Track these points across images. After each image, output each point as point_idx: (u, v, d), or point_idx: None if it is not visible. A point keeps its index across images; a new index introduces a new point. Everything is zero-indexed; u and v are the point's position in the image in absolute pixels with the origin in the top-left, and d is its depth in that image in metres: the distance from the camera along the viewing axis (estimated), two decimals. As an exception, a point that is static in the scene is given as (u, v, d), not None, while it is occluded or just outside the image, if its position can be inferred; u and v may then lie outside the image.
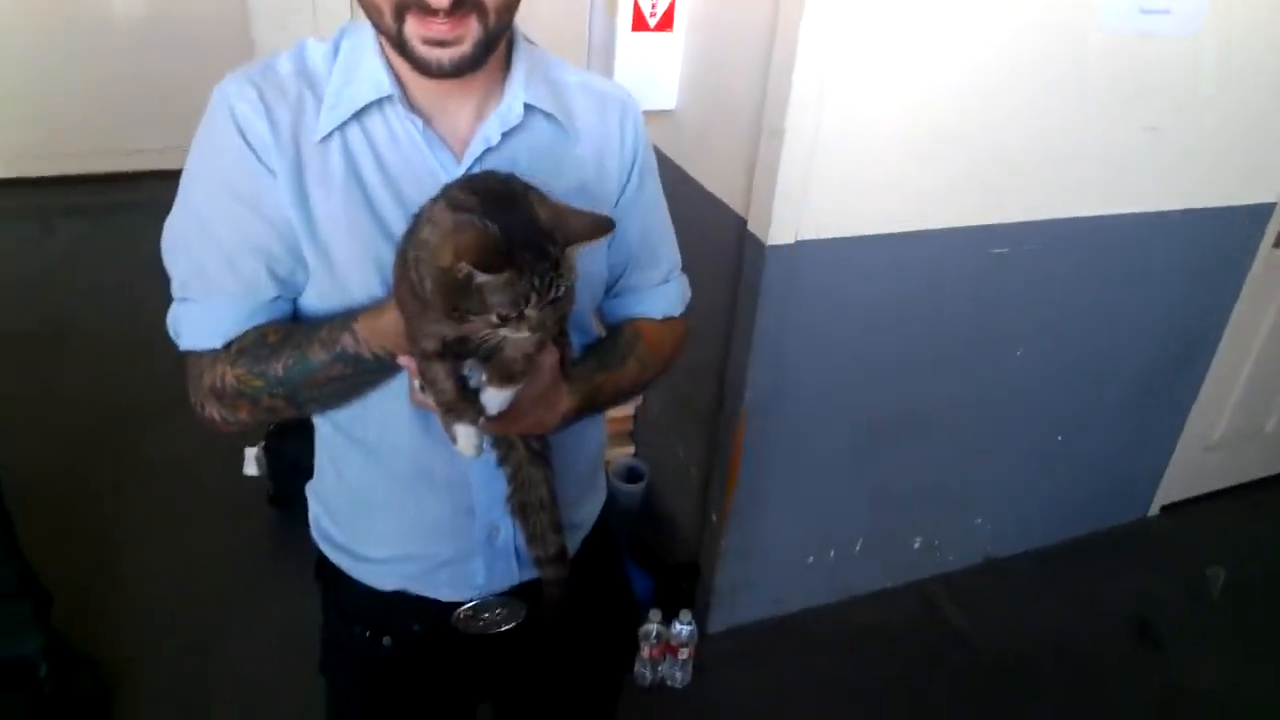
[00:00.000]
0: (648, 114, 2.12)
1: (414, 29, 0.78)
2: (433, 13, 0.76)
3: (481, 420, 0.79)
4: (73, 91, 4.06)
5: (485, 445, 0.93)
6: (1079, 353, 2.32)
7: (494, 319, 0.69)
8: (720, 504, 2.13)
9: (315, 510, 1.10)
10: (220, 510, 2.58)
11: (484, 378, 0.78)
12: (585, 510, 1.14)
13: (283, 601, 2.10)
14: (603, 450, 1.19)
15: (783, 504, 2.19)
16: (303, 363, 0.84)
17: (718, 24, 1.92)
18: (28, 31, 3.99)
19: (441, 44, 0.78)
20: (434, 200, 0.72)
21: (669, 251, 1.09)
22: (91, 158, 4.17)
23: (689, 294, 1.12)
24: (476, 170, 0.87)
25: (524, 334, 0.71)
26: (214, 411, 0.90)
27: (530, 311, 0.69)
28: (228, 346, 0.88)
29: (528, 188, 0.74)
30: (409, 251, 0.71)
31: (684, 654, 2.15)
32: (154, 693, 2.02)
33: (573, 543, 1.10)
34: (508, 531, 1.01)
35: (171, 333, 0.90)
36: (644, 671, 2.16)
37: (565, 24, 2.18)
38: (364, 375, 0.85)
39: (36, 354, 3.16)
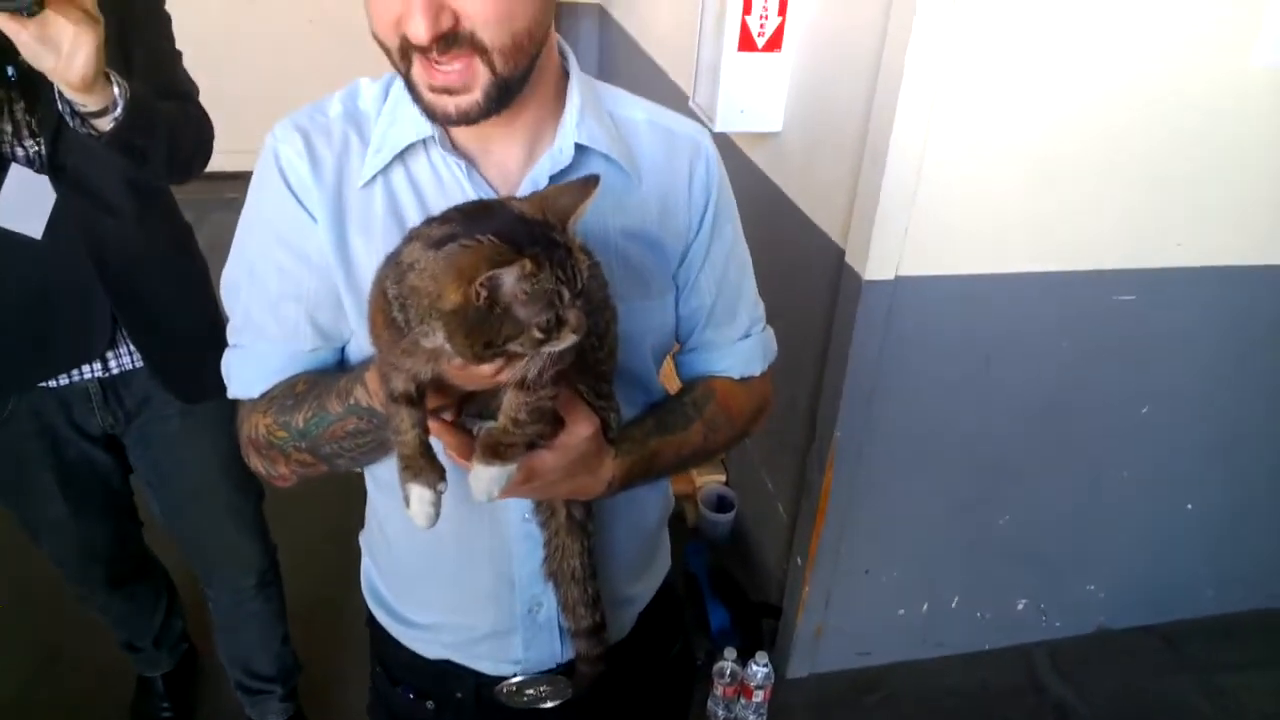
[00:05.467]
0: (754, 136, 2.09)
1: (420, 75, 0.75)
2: (428, 54, 0.72)
3: (509, 481, 0.73)
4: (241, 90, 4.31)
5: (527, 511, 0.91)
6: (1215, 417, 2.10)
7: (536, 334, 0.63)
8: (806, 546, 2.04)
9: (366, 562, 1.09)
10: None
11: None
12: (641, 585, 1.08)
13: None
14: (665, 518, 1.12)
15: (873, 550, 2.08)
16: (321, 415, 0.81)
17: (826, 44, 1.85)
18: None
19: (448, 91, 0.74)
20: (405, 243, 0.67)
21: (749, 304, 1.01)
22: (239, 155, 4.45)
23: (774, 350, 1.03)
24: None
25: (570, 340, 0.64)
26: (257, 464, 0.89)
27: (569, 313, 0.63)
28: (264, 395, 0.87)
29: (499, 197, 0.70)
30: (388, 289, 0.66)
31: (759, 696, 2.07)
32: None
33: (626, 617, 1.06)
34: (551, 607, 0.96)
35: (225, 378, 0.90)
36: (716, 710, 2.09)
37: (678, 41, 2.16)
38: (383, 431, 0.79)
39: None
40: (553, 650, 0.99)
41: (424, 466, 0.72)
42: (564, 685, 1.01)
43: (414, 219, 0.81)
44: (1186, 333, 1.96)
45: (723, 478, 2.59)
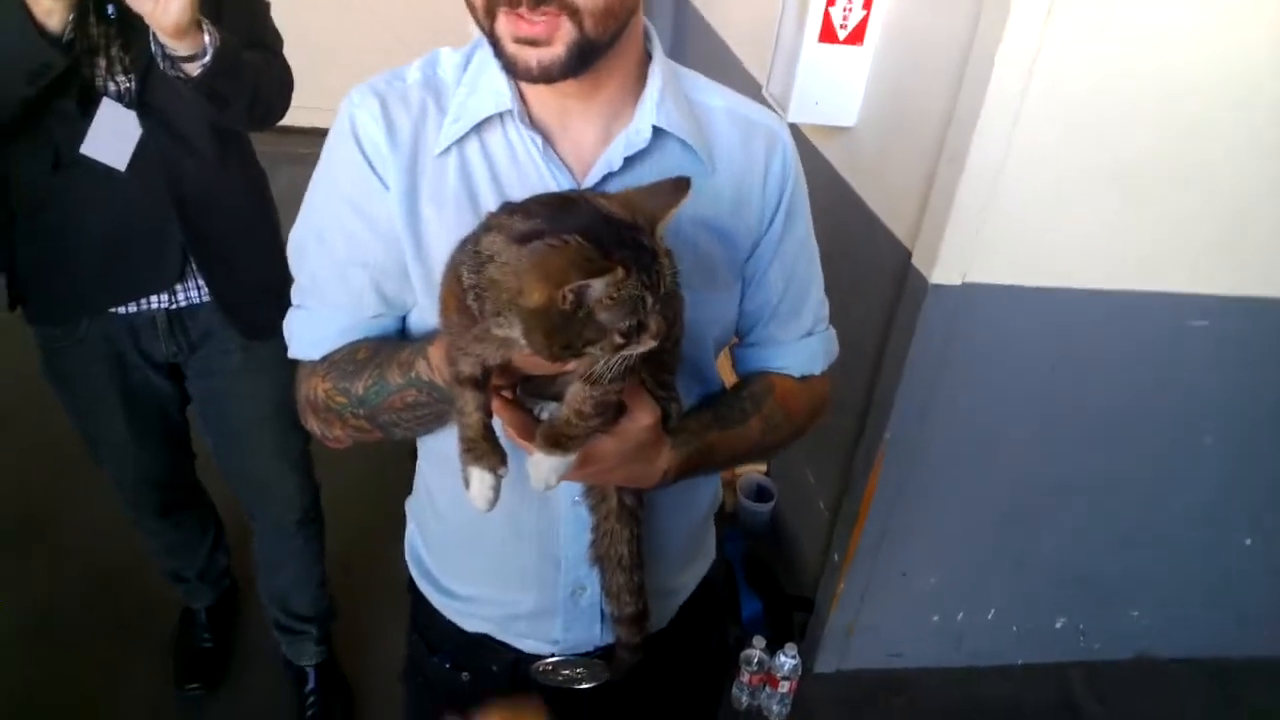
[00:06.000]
0: (826, 129, 2.04)
1: (504, 27, 0.74)
2: (517, 6, 0.71)
3: (566, 467, 0.72)
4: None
5: (578, 494, 0.90)
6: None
7: (617, 339, 0.62)
8: (844, 544, 2.03)
9: (411, 529, 1.10)
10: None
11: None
12: (686, 576, 1.07)
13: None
14: (713, 511, 1.11)
15: (912, 554, 2.06)
16: (380, 384, 0.80)
17: (912, 38, 1.80)
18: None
19: (533, 43, 0.73)
20: (483, 231, 0.65)
21: (815, 302, 0.98)
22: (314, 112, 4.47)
23: (835, 350, 1.01)
24: None
25: (648, 346, 0.64)
26: (313, 425, 0.89)
27: (651, 319, 0.62)
28: (324, 359, 0.86)
29: (582, 191, 0.69)
30: (463, 275, 0.65)
31: (784, 687, 2.07)
32: None
33: (669, 608, 1.06)
34: (594, 591, 0.96)
35: (286, 337, 0.90)
36: (740, 696, 2.11)
37: (756, 30, 2.12)
38: (442, 405, 0.79)
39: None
40: (592, 634, 0.99)
41: (486, 450, 0.72)
42: (600, 669, 1.01)
43: (486, 193, 0.81)
44: (1257, 364, 1.89)
45: (763, 468, 2.58)
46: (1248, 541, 2.16)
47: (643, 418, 0.76)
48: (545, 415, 0.75)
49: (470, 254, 0.64)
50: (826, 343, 1.00)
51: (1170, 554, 2.15)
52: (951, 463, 1.93)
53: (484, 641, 1.02)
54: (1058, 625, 2.22)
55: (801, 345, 0.97)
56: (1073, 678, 2.25)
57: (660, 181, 0.69)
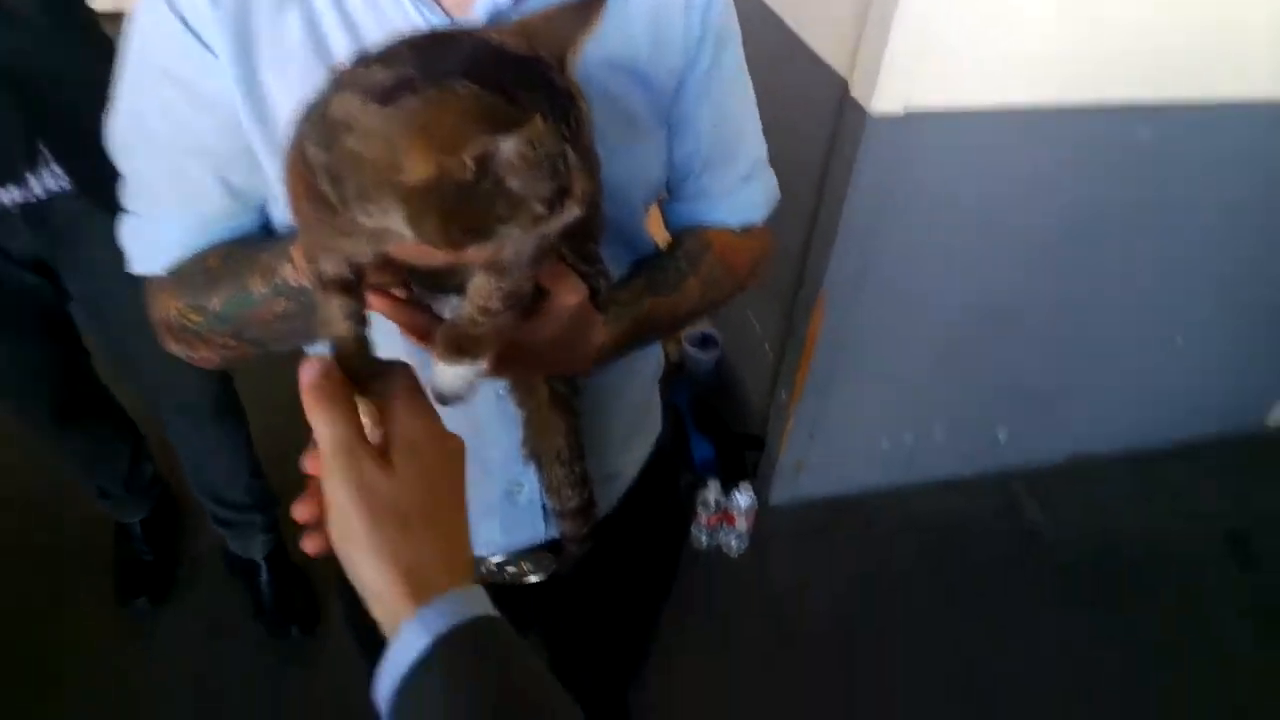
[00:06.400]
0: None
1: None
2: None
3: (477, 374, 0.59)
4: None
5: (503, 387, 0.79)
6: (1216, 252, 2.05)
7: (537, 209, 0.47)
8: (790, 383, 2.02)
9: None
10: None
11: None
12: (631, 455, 1.00)
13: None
14: (657, 380, 1.03)
15: (858, 387, 2.06)
16: (241, 296, 0.67)
17: None
18: None
19: None
20: (332, 91, 0.49)
21: (752, 143, 0.87)
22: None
23: (776, 194, 0.90)
24: None
25: (574, 214, 0.49)
26: (173, 347, 0.77)
27: (575, 180, 0.48)
28: (171, 273, 0.73)
29: (463, 25, 0.54)
30: (309, 153, 0.49)
31: (741, 524, 2.12)
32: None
33: (615, 490, 0.99)
34: (532, 489, 0.88)
35: (124, 252, 0.76)
36: (699, 536, 2.15)
37: None
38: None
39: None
40: (535, 531, 0.92)
41: (361, 370, 0.57)
42: (548, 561, 0.95)
43: (338, 45, 0.67)
44: (1196, 170, 1.87)
45: (707, 311, 2.54)
46: (1179, 340, 2.21)
47: (567, 299, 0.64)
48: (449, 313, 0.61)
49: (316, 123, 0.49)
50: (766, 188, 0.89)
51: (1105, 360, 2.20)
52: (894, 297, 1.90)
53: None
54: (1001, 437, 2.29)
55: (739, 193, 0.86)
56: (1015, 484, 2.35)
57: (562, 4, 0.53)
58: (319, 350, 0.61)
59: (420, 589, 0.50)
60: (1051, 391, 2.24)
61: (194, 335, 0.73)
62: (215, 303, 0.69)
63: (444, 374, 0.57)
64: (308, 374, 0.53)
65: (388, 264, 0.55)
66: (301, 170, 0.50)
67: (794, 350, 1.99)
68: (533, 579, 0.96)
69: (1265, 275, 2.15)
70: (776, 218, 0.91)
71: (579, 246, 0.66)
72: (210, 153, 0.69)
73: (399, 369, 0.56)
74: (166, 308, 0.73)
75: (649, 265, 0.81)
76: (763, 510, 2.16)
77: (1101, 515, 2.31)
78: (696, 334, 2.44)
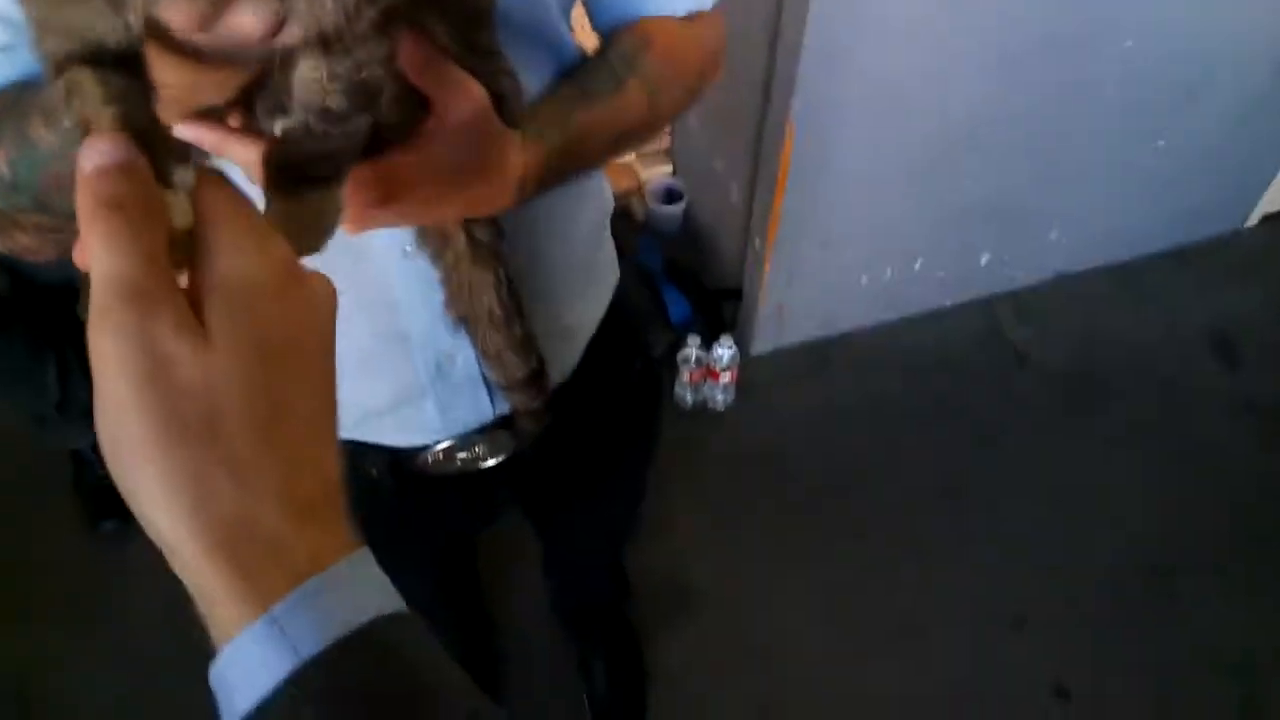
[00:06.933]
0: None
1: None
2: None
3: (337, 214, 0.46)
4: None
5: (408, 242, 0.64)
6: (1194, 45, 1.94)
7: None
8: (764, 227, 1.94)
9: None
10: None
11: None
12: (585, 308, 0.88)
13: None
14: (605, 220, 0.89)
15: (834, 223, 1.98)
16: (29, 152, 0.49)
17: None
18: None
19: None
20: None
21: None
22: None
23: None
24: None
25: None
26: None
27: None
28: None
29: None
30: None
31: (725, 378, 2.07)
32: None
33: (571, 351, 0.87)
34: (468, 358, 0.76)
35: None
36: (684, 394, 2.11)
37: None
38: None
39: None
40: (479, 408, 0.80)
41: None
42: (504, 440, 0.83)
43: None
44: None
45: (669, 168, 2.43)
46: (1160, 143, 2.13)
47: (460, 105, 0.50)
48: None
49: None
50: None
51: (1085, 169, 2.12)
52: (864, 122, 1.80)
53: (349, 447, 0.81)
54: (982, 262, 2.23)
55: None
56: (1000, 308, 2.30)
57: None
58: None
59: (258, 561, 0.31)
60: (1032, 208, 2.16)
61: None
62: (1, 168, 0.51)
63: (285, 217, 0.44)
64: (91, 162, 0.33)
65: (165, 51, 0.38)
66: None
67: (764, 189, 1.90)
68: (491, 462, 0.85)
69: (1249, 70, 2.05)
70: (732, 40, 0.78)
71: (465, 34, 0.51)
72: None
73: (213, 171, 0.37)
74: None
75: (577, 72, 0.66)
76: (745, 361, 2.12)
77: (1087, 329, 2.28)
78: (661, 189, 2.34)
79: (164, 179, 0.35)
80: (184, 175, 0.35)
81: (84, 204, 0.32)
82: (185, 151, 0.38)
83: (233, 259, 0.33)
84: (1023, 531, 1.92)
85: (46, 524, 1.92)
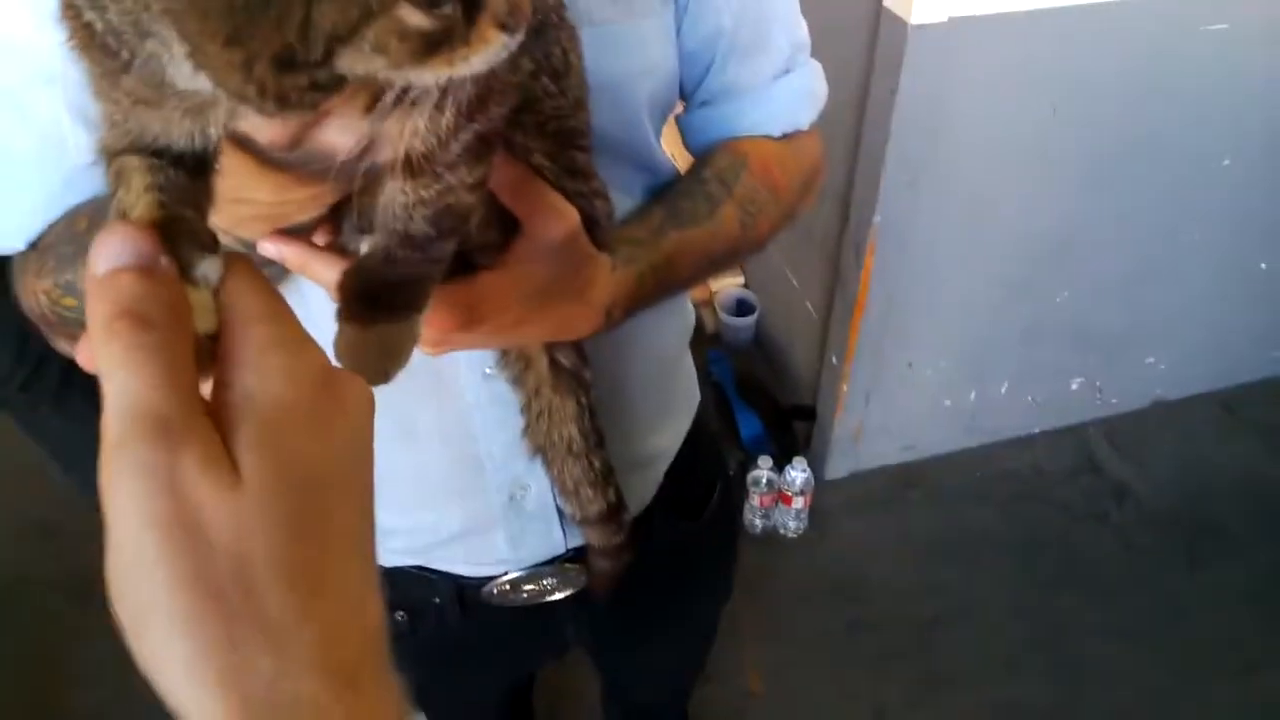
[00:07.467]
0: None
1: None
2: None
3: (411, 340, 0.44)
4: None
5: (489, 363, 0.62)
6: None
7: (413, 21, 0.29)
8: (842, 342, 1.87)
9: None
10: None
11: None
12: (665, 436, 0.82)
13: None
14: (687, 340, 0.84)
15: (916, 342, 1.91)
16: None
17: None
18: None
19: None
20: None
21: (787, 24, 0.69)
22: None
23: (823, 90, 0.72)
24: None
25: (498, 47, 0.31)
26: (63, 345, 0.59)
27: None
28: (34, 245, 0.56)
29: None
30: (87, 18, 0.31)
31: (798, 503, 1.97)
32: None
33: (648, 482, 0.81)
34: (542, 489, 0.72)
35: None
36: (754, 520, 2.01)
37: None
38: None
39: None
40: (551, 541, 0.76)
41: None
42: (575, 575, 0.79)
43: None
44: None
45: (740, 280, 2.40)
46: (1263, 266, 2.03)
47: (550, 228, 0.49)
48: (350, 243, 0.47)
49: None
50: (810, 81, 0.71)
51: (1183, 291, 2.02)
52: (948, 235, 1.75)
53: (415, 574, 0.78)
54: (1073, 387, 2.12)
55: (776, 89, 0.69)
56: (1091, 436, 2.17)
57: None
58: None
59: None
60: (1125, 331, 2.06)
61: (76, 326, 0.54)
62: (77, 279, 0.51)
63: (350, 341, 0.42)
64: (106, 262, 0.29)
65: (247, 163, 0.37)
66: (80, 34, 0.32)
67: (843, 304, 1.83)
68: (558, 595, 0.80)
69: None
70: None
71: (560, 156, 0.49)
72: (57, 75, 0.49)
73: (238, 260, 0.33)
74: (34, 294, 0.55)
75: (670, 192, 0.64)
76: (819, 485, 2.01)
77: (1191, 463, 2.13)
78: (732, 300, 2.31)
79: (186, 273, 0.31)
80: (207, 268, 0.32)
81: (97, 311, 0.28)
82: (213, 240, 0.34)
83: (263, 376, 0.30)
84: (1137, 700, 1.71)
85: (91, 630, 1.86)
